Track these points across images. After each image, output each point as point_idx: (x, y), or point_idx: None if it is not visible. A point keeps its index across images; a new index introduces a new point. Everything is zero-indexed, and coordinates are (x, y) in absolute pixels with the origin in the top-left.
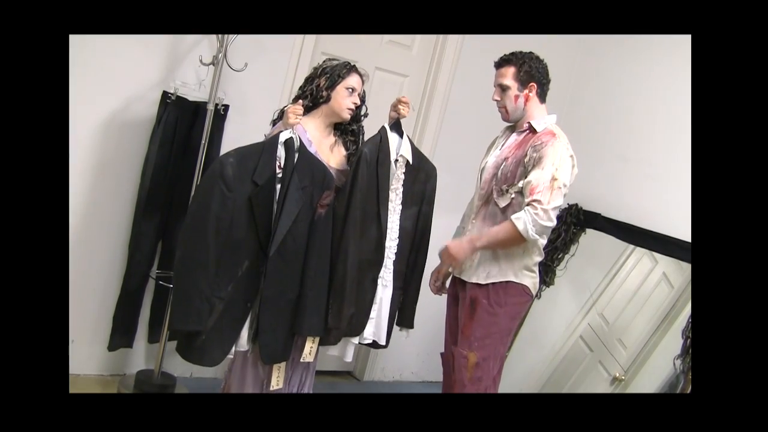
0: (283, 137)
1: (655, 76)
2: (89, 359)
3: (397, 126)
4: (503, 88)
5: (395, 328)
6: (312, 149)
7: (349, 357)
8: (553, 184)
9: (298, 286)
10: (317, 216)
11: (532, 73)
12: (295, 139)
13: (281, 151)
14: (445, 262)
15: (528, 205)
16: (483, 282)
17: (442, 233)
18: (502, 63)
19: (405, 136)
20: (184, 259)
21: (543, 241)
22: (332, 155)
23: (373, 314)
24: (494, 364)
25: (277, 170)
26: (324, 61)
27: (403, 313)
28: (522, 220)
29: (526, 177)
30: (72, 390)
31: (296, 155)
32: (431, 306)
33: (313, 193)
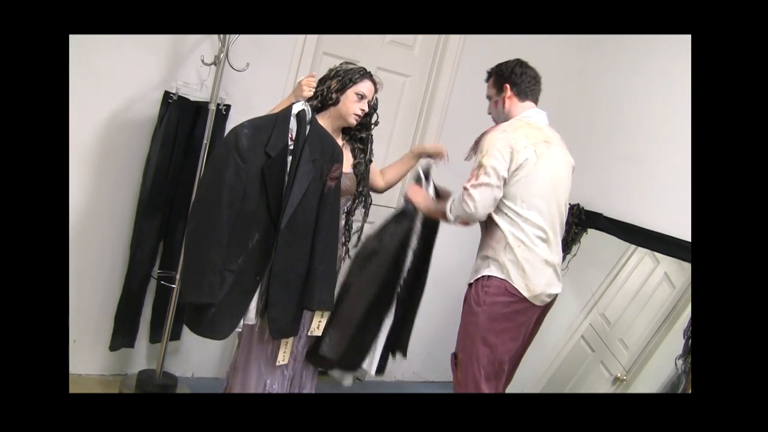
0: (295, 109)
1: (656, 76)
2: (91, 359)
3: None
4: (489, 99)
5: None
6: None
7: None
8: (479, 171)
9: (308, 260)
10: (326, 189)
11: (502, 74)
12: (306, 111)
13: (293, 123)
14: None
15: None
16: (471, 280)
17: (442, 234)
18: (487, 78)
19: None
20: (197, 230)
21: (525, 237)
22: None
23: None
24: (478, 368)
25: (289, 142)
26: (340, 64)
27: (400, 341)
28: (450, 199)
29: None
30: (73, 390)
31: (308, 128)
32: (433, 307)
33: (323, 167)
